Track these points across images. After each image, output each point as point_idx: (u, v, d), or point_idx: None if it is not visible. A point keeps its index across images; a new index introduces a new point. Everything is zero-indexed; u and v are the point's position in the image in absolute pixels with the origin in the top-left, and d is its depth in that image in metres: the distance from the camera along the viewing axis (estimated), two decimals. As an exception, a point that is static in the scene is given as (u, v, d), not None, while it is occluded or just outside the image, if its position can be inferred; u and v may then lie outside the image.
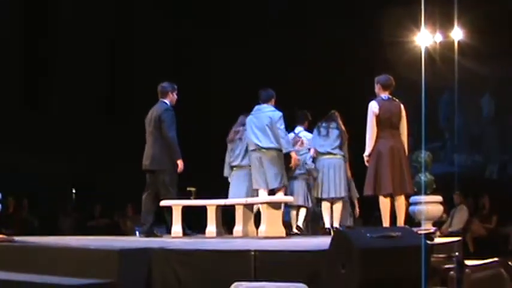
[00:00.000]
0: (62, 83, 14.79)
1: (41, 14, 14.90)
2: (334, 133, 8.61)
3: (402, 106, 7.65)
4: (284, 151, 8.00)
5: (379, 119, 7.49)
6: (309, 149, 8.73)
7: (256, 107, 8.19)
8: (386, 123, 7.49)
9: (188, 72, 14.86)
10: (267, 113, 8.05)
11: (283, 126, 7.99)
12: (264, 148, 7.99)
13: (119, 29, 15.95)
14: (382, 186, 7.39)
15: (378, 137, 7.48)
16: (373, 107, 7.53)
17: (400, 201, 7.53)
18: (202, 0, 15.50)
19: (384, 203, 7.49)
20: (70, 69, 14.72)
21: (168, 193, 7.94)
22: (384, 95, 7.62)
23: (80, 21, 14.84)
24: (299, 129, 8.75)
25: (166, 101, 8.12)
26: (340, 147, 8.59)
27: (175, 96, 8.20)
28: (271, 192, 8.09)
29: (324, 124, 8.64)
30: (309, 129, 8.93)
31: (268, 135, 7.96)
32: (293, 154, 8.17)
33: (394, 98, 7.68)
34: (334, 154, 8.55)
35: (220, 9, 15.33)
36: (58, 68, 14.87)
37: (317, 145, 8.62)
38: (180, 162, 7.90)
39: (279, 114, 8.02)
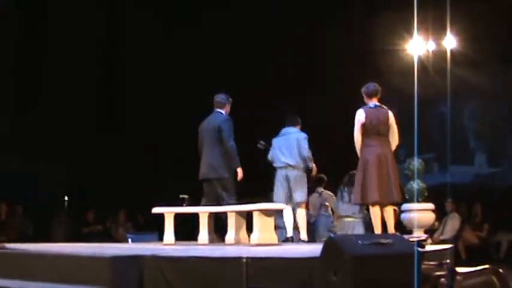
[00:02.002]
0: (58, 86, 14.77)
1: (39, 16, 14.90)
2: None
3: (390, 113, 7.70)
4: (310, 167, 8.81)
5: (365, 127, 7.57)
6: (332, 211, 10.37)
7: (284, 130, 8.93)
8: (374, 131, 7.56)
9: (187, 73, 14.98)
10: (294, 134, 8.82)
11: (307, 146, 8.75)
12: (291, 166, 8.69)
13: (117, 30, 16.01)
14: (369, 195, 7.47)
15: (365, 145, 7.58)
16: (359, 115, 7.62)
17: (389, 209, 7.58)
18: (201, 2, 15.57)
19: (374, 211, 7.57)
20: (67, 71, 14.74)
21: (229, 200, 8.06)
22: (371, 103, 7.70)
23: (79, 23, 14.88)
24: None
25: (223, 111, 8.35)
26: (360, 209, 9.48)
27: (229, 107, 8.48)
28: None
29: (346, 189, 9.66)
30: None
31: (295, 154, 8.69)
32: (314, 167, 8.88)
33: (382, 106, 7.73)
34: (355, 217, 9.68)
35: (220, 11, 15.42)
36: (55, 70, 14.85)
37: (340, 209, 9.88)
38: (239, 170, 8.14)
39: (305, 135, 8.82)
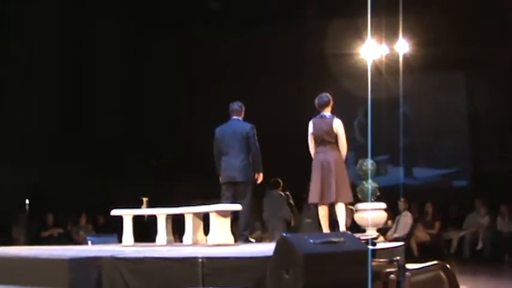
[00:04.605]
0: (18, 87, 14.58)
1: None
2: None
3: (336, 122, 8.04)
4: (289, 220, 11.64)
5: (313, 136, 8.10)
6: None
7: (269, 192, 11.70)
8: (319, 140, 8.08)
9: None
10: (278, 196, 11.62)
11: (286, 206, 11.64)
12: (276, 218, 11.56)
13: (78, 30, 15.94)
14: (311, 196, 8.05)
15: (315, 152, 8.13)
16: (309, 126, 8.19)
17: (340, 208, 7.95)
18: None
19: (320, 212, 8.09)
20: (26, 71, 14.59)
21: (250, 201, 8.49)
22: (322, 113, 8.11)
23: (39, 24, 14.77)
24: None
25: (240, 118, 8.70)
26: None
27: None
28: None
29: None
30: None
31: (280, 210, 11.57)
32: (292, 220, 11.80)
33: (327, 115, 8.07)
34: (312, 220, 10.78)
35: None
36: (14, 71, 14.68)
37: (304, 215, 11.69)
38: (261, 175, 8.59)
39: (285, 197, 11.65)
